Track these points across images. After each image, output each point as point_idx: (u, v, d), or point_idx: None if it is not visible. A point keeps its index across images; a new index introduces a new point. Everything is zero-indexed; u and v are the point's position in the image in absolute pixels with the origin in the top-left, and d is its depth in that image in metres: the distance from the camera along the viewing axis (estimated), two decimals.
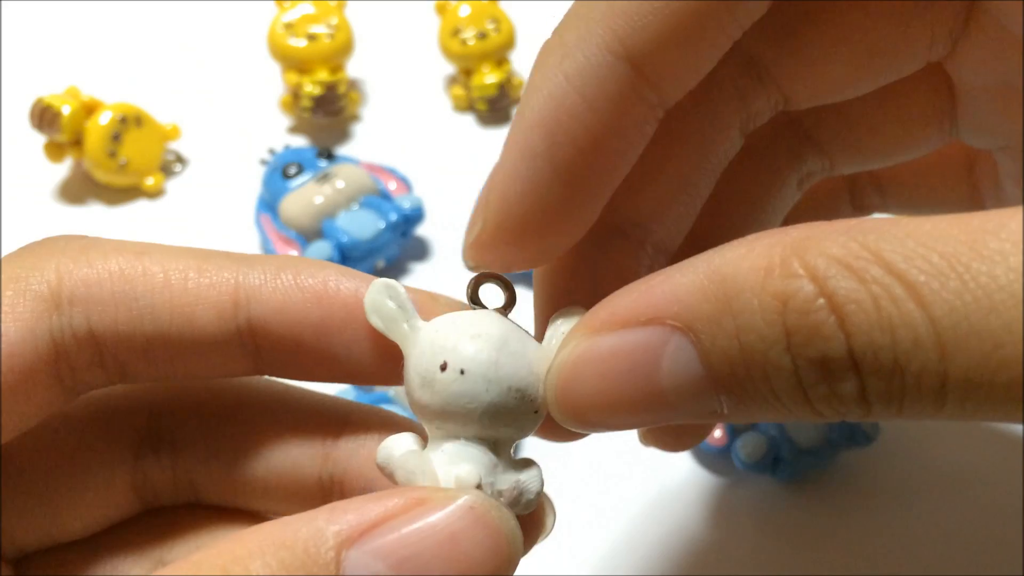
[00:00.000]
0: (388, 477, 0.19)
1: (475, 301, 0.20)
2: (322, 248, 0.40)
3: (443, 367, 0.18)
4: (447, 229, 0.44)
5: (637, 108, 0.20)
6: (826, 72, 0.22)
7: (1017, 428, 0.36)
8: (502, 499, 0.19)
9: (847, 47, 0.22)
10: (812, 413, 0.16)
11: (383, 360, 0.20)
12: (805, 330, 0.15)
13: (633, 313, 0.17)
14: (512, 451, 0.20)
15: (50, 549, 0.21)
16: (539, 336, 0.20)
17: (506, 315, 0.20)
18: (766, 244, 0.16)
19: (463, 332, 0.19)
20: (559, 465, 0.35)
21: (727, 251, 0.16)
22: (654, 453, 0.36)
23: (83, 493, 0.21)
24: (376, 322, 0.19)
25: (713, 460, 0.35)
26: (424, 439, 0.19)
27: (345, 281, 0.20)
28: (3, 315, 0.19)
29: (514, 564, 0.17)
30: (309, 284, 0.20)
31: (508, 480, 0.19)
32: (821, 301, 0.15)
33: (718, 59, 0.20)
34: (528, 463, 0.19)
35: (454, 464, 0.18)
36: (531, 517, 0.20)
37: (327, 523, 0.16)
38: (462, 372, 0.18)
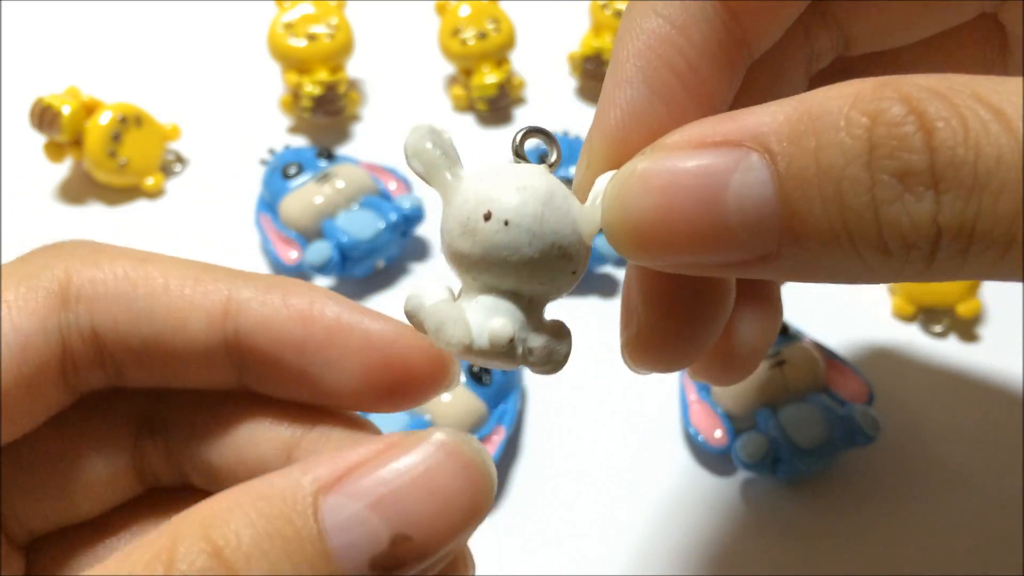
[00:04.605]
0: (416, 326, 0.19)
1: (520, 155, 0.20)
2: (322, 248, 0.40)
3: (487, 216, 0.18)
4: None
5: (725, 38, 0.20)
6: (884, 13, 0.23)
7: (1017, 429, 0.36)
8: (532, 357, 0.18)
9: None
10: (878, 247, 0.16)
11: (363, 386, 0.20)
12: (891, 142, 0.15)
13: (709, 135, 0.17)
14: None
15: (59, 531, 0.21)
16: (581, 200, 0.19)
17: (551, 172, 0.19)
18: (856, 80, 0.16)
19: (509, 183, 0.18)
20: (560, 465, 0.35)
21: (815, 91, 0.16)
22: (654, 453, 0.36)
23: (89, 475, 0.21)
24: (416, 166, 0.19)
25: (713, 460, 0.35)
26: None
27: (331, 305, 0.20)
28: (18, 310, 0.19)
29: (490, 493, 0.18)
30: (295, 303, 0.20)
31: (539, 339, 0.19)
32: (911, 117, 0.15)
33: (799, 2, 0.20)
34: (559, 326, 0.19)
35: (488, 316, 0.18)
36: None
37: (302, 474, 0.16)
38: (506, 223, 0.18)
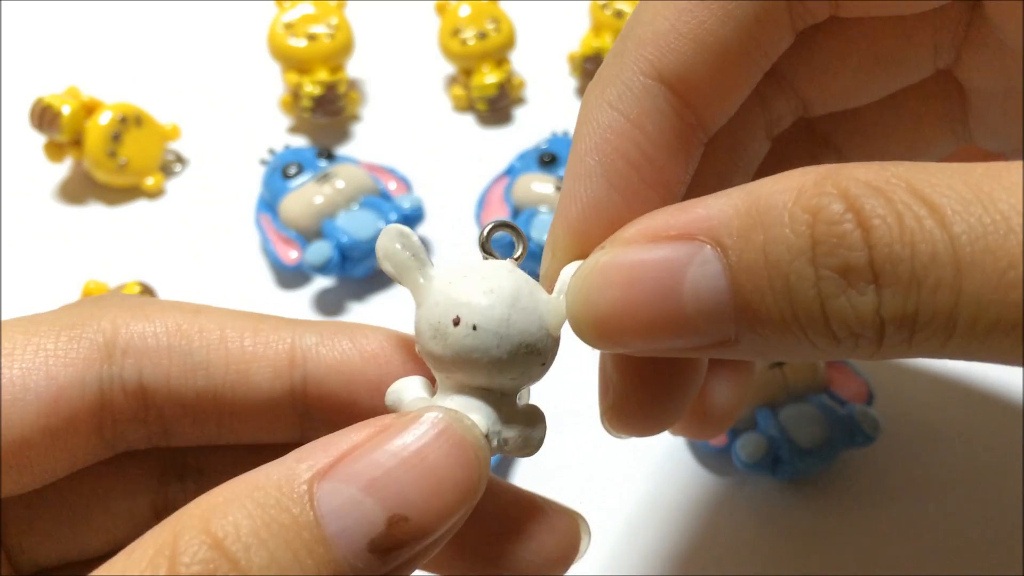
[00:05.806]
0: None
1: (487, 250, 0.20)
2: (322, 248, 0.40)
3: (455, 321, 0.19)
4: (447, 229, 0.44)
5: (678, 125, 0.20)
6: (838, 78, 0.23)
7: (1017, 429, 0.36)
8: (507, 446, 0.19)
9: (856, 55, 0.23)
10: (827, 335, 0.16)
11: None
12: (831, 240, 0.16)
13: (664, 229, 0.18)
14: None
15: (66, 564, 0.21)
16: (548, 288, 0.20)
17: (517, 265, 0.20)
18: (800, 172, 0.17)
19: (476, 286, 0.19)
20: (561, 465, 0.35)
21: (762, 181, 0.17)
22: (654, 453, 0.36)
23: (105, 514, 0.21)
24: (388, 269, 0.20)
25: (713, 460, 0.35)
26: (432, 382, 0.20)
27: (399, 350, 0.20)
28: (56, 359, 0.19)
29: (484, 470, 0.18)
30: (365, 345, 0.20)
31: (512, 431, 0.19)
32: (849, 215, 0.16)
33: (750, 82, 0.21)
34: (532, 411, 0.20)
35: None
36: (566, 539, 0.22)
37: (297, 462, 0.16)
38: (474, 328, 0.18)
